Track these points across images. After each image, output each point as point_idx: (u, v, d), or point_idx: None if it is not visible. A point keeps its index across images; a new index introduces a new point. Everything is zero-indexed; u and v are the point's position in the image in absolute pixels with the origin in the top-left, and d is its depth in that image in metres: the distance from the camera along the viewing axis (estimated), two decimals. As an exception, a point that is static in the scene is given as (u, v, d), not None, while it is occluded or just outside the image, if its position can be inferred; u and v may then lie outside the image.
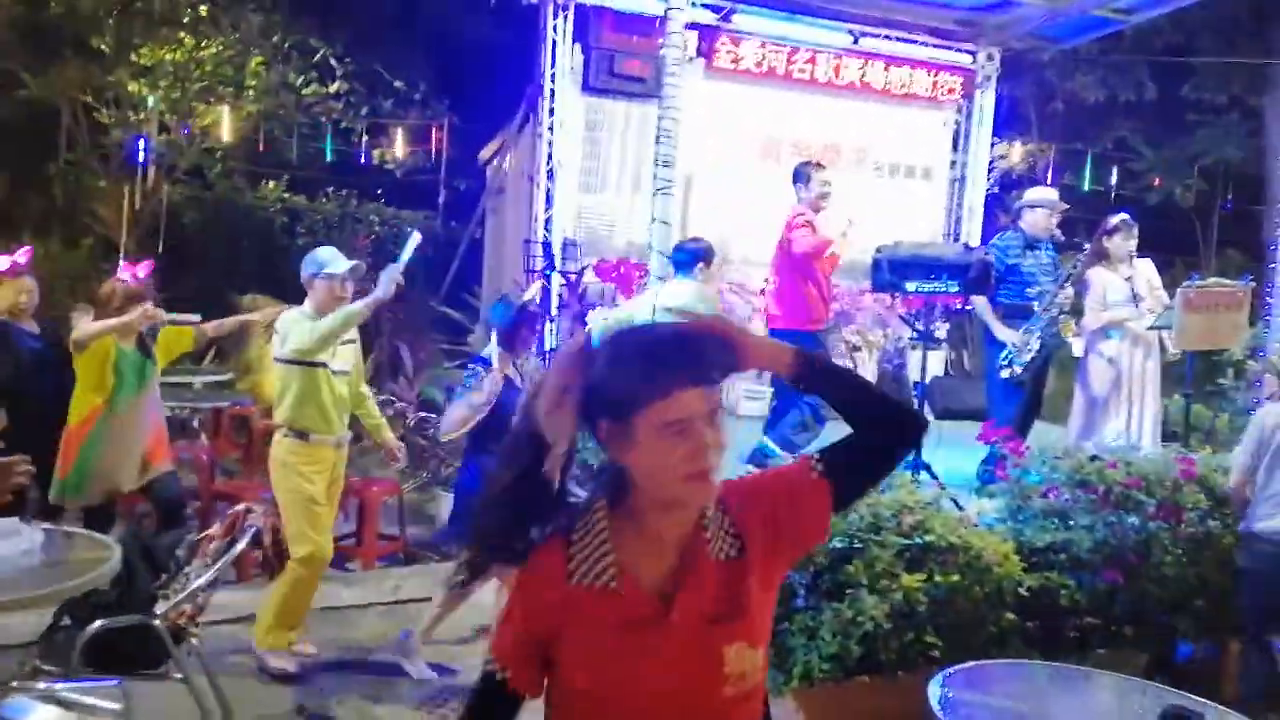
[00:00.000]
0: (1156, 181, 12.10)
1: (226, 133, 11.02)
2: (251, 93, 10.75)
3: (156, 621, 2.87)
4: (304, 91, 11.47)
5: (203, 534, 3.20)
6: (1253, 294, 5.49)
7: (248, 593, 4.29)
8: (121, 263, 4.60)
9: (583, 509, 1.38)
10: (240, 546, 3.05)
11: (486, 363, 3.83)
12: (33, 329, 4.84)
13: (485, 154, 10.47)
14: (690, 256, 5.07)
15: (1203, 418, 6.39)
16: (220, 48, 10.30)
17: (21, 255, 4.83)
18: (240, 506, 3.19)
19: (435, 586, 4.23)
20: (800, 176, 5.45)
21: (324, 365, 3.86)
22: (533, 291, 5.00)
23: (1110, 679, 2.65)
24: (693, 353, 1.31)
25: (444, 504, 5.72)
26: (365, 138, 13.51)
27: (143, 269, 4.42)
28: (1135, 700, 2.52)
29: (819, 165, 5.58)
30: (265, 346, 4.55)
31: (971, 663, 2.60)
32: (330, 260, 3.95)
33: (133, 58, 9.96)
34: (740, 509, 1.40)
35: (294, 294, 4.45)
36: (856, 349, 8.07)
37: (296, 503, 3.80)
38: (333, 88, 11.94)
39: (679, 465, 1.28)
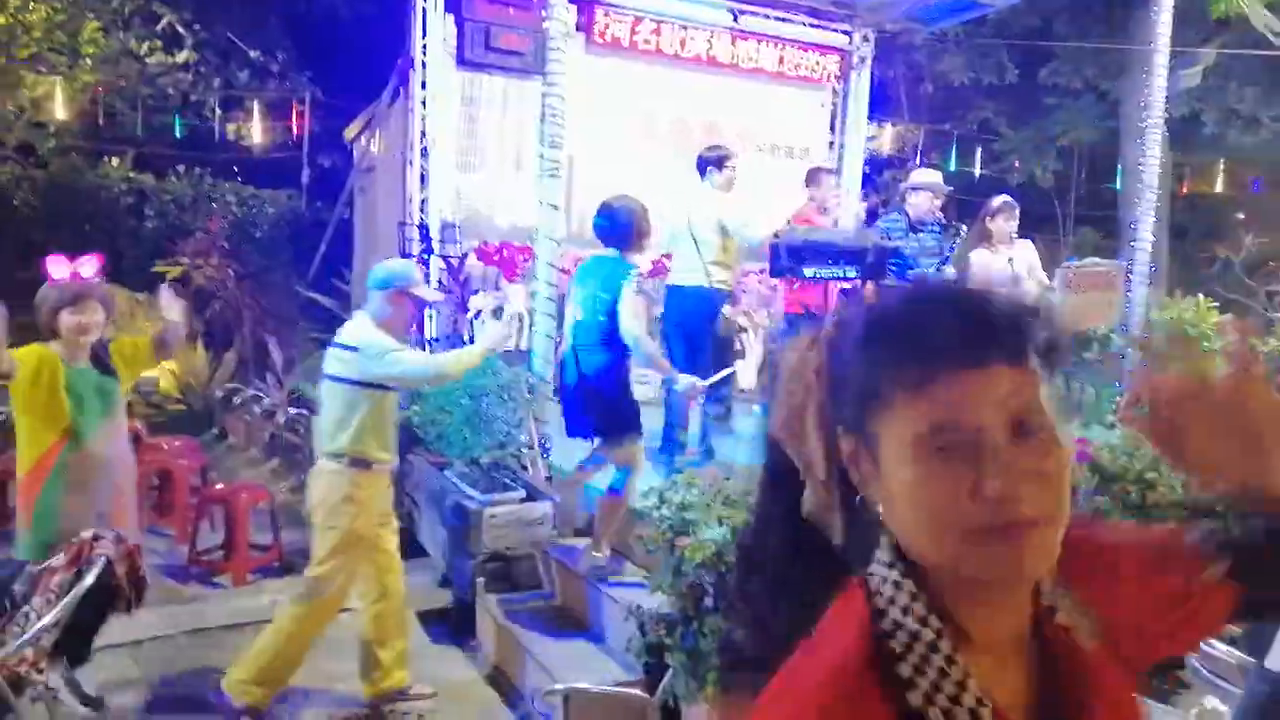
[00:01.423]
0: (1016, 163, 12.57)
1: (60, 106, 10.04)
2: (88, 61, 9.82)
3: (-11, 673, 2.49)
4: (148, 61, 10.57)
5: (43, 565, 2.80)
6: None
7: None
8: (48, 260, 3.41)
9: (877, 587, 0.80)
10: (89, 580, 2.67)
11: (633, 267, 4.02)
12: None
13: (352, 130, 9.91)
14: (707, 164, 5.38)
15: (1071, 391, 6.64)
16: (51, 11, 9.35)
17: None
18: (87, 534, 2.80)
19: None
20: (812, 179, 6.19)
21: (394, 387, 3.56)
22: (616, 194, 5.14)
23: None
24: (999, 319, 0.76)
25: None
26: (218, 112, 12.60)
27: (88, 264, 3.37)
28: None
29: (830, 171, 6.41)
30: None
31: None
32: (417, 277, 3.72)
33: (-54, 21, 8.94)
34: (1078, 571, 0.85)
35: (143, 282, 4.03)
36: (743, 329, 8.06)
37: (343, 539, 3.44)
38: (180, 57, 11.07)
39: (948, 510, 0.72)
